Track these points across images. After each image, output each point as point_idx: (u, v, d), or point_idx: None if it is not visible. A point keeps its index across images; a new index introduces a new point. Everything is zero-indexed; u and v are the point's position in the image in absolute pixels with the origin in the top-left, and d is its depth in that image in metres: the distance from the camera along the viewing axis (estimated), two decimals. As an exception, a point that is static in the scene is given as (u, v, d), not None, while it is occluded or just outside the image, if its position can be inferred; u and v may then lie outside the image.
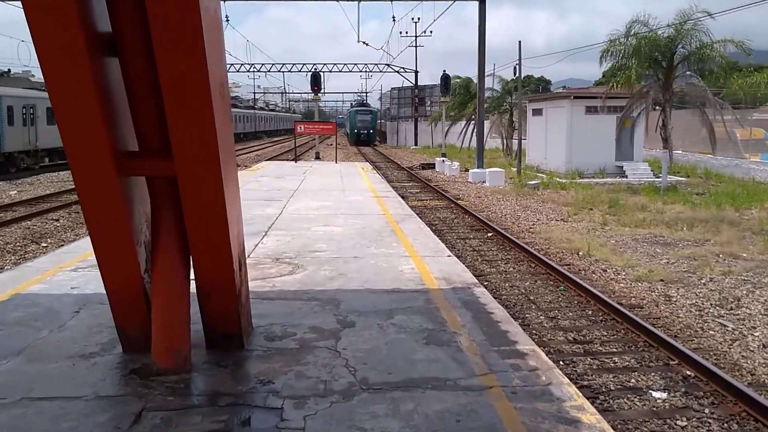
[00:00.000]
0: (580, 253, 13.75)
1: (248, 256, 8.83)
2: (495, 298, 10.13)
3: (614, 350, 8.34)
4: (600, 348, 8.44)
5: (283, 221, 11.96)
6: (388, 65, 71.86)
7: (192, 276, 4.50)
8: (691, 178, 29.57)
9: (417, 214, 14.01)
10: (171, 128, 3.64)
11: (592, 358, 8.06)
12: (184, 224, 4.10)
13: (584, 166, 29.22)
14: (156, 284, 4.22)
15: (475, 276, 11.61)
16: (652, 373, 7.62)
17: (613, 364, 7.92)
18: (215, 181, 3.89)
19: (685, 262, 12.94)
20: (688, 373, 7.61)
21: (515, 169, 31.24)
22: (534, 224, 17.88)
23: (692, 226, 16.81)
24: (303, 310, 6.26)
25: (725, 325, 9.36)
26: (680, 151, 29.67)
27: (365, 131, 75.45)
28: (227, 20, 56.16)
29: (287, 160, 35.04)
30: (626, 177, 28.76)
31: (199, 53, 3.40)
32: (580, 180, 27.45)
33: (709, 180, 28.73)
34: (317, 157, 36.64)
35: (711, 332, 9.09)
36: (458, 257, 13.24)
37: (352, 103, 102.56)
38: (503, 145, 43.49)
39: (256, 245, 9.69)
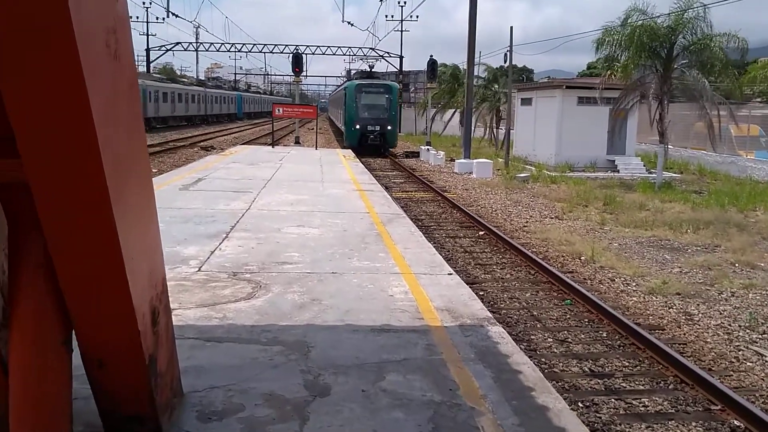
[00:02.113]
0: (583, 258, 12.44)
1: (200, 269, 7.22)
2: (493, 312, 8.77)
3: (641, 387, 7.00)
4: (624, 384, 7.10)
5: (250, 219, 10.31)
6: (372, 49, 69.74)
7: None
8: (684, 174, 28.52)
9: (402, 207, 12.54)
10: (9, 105, 2.09)
11: (616, 399, 6.71)
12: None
13: (574, 159, 28.00)
14: (16, 348, 2.64)
15: (469, 284, 10.26)
16: (693, 423, 6.29)
17: (643, 408, 6.57)
18: (94, 192, 2.31)
19: (699, 271, 11.68)
20: (738, 423, 6.29)
21: (502, 160, 29.91)
22: (527, 222, 16.59)
23: (697, 228, 15.64)
24: (259, 360, 4.61)
25: (763, 355, 8.09)
26: (671, 146, 28.55)
27: (378, 126, 35.75)
28: (204, -5, 53.96)
29: (265, 144, 33.31)
30: (618, 172, 27.62)
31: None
32: (571, 174, 26.25)
33: (703, 177, 27.69)
34: (297, 142, 35.01)
35: (748, 364, 7.80)
36: (448, 260, 11.86)
37: (350, 73, 57.89)
38: (488, 135, 42.09)
39: (212, 252, 8.01)
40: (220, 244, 8.46)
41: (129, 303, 2.67)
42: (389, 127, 36.07)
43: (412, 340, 5.13)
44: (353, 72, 52.93)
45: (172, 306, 5.87)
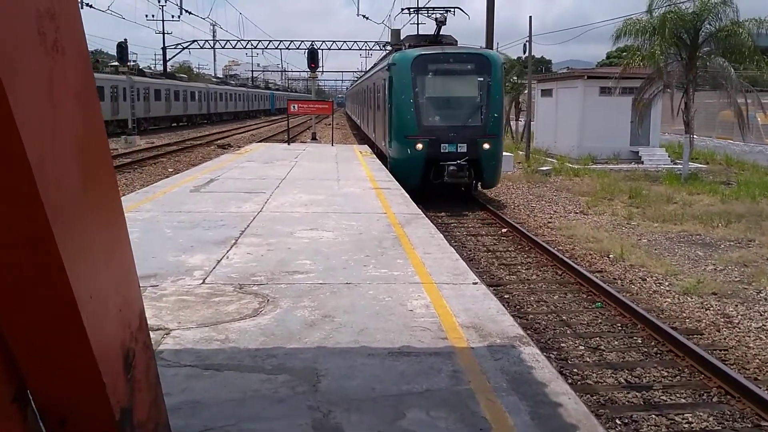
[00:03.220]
0: (611, 256, 11.91)
1: (204, 281, 6.73)
2: (518, 317, 8.25)
3: (683, 401, 6.49)
4: (663, 397, 6.59)
5: (261, 222, 9.80)
6: (388, 43, 69.12)
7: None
8: (711, 165, 27.77)
9: (419, 205, 12.01)
10: None
11: (657, 415, 6.21)
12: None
13: (597, 150, 27.37)
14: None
15: (493, 286, 9.75)
16: (744, 442, 5.76)
17: (687, 425, 6.06)
18: (29, 223, 1.83)
19: (734, 269, 11.12)
20: (793, 443, 5.76)
21: (522, 152, 29.30)
22: (552, 217, 16.06)
23: (729, 222, 15.05)
24: (262, 393, 4.10)
25: (812, 361, 7.52)
26: (695, 136, 27.79)
27: (464, 145, 16.89)
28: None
29: (282, 141, 32.89)
30: (642, 163, 26.95)
31: None
32: (594, 166, 25.64)
33: (730, 168, 26.93)
34: (314, 139, 34.56)
35: (798, 372, 7.23)
36: (470, 260, 11.36)
37: (398, 35, 31.33)
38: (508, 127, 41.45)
39: (219, 261, 7.45)
40: (228, 251, 7.98)
41: (88, 352, 2.21)
42: (487, 146, 17.30)
43: (435, 365, 4.60)
44: (404, 36, 28.81)
45: (170, 326, 5.44)
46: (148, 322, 5.49)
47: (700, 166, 26.42)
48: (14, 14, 1.71)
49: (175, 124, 57.39)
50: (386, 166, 18.51)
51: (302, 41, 73.15)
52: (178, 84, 57.95)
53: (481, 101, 17.54)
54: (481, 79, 17.59)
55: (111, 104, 41.82)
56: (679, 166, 23.96)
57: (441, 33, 21.13)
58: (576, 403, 4.08)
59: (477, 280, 6.84)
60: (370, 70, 38.25)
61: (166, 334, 5.20)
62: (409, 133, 17.35)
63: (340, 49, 72.82)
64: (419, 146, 17.05)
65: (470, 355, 4.81)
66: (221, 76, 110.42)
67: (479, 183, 18.22)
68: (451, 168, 16.81)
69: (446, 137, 17.09)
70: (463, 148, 16.96)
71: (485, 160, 17.23)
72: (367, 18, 60.98)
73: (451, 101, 17.82)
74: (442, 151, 16.98)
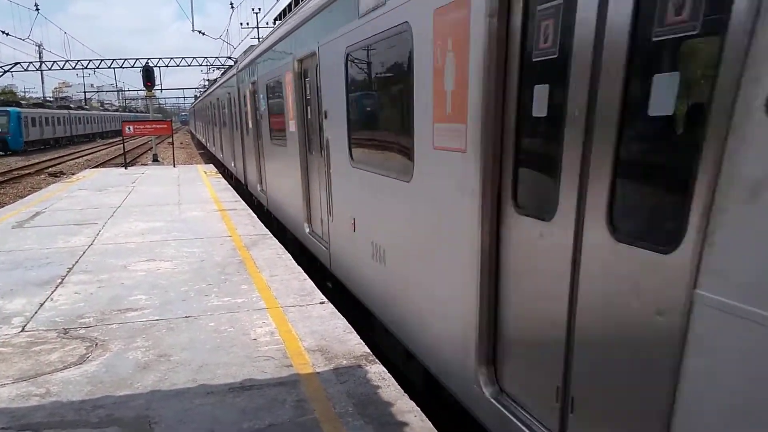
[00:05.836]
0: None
1: (23, 329, 6.08)
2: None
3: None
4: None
5: (92, 257, 9.08)
6: (230, 57, 67.79)
7: None
8: None
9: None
10: None
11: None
12: None
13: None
14: None
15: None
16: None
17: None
18: None
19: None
20: None
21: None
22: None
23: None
24: (86, 453, 3.79)
25: None
26: None
27: None
28: (37, 9, 50.38)
29: (120, 165, 31.09)
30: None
31: None
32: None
33: None
34: (155, 160, 32.98)
35: None
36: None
37: None
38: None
39: (42, 305, 6.77)
40: (52, 292, 7.28)
41: None
42: None
43: (279, 397, 4.38)
44: None
45: (-23, 387, 4.84)
46: (-44, 383, 4.88)
47: None
48: None
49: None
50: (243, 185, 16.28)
51: (137, 59, 70.30)
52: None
53: None
54: None
55: None
56: None
57: None
58: (422, 420, 4.03)
59: (324, 300, 6.68)
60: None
61: (-24, 395, 4.61)
62: None
63: (178, 65, 70.88)
64: None
65: (316, 381, 4.64)
66: (51, 99, 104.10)
67: None
68: None
69: None
70: None
71: None
72: (204, 33, 59.62)
73: None
74: None
